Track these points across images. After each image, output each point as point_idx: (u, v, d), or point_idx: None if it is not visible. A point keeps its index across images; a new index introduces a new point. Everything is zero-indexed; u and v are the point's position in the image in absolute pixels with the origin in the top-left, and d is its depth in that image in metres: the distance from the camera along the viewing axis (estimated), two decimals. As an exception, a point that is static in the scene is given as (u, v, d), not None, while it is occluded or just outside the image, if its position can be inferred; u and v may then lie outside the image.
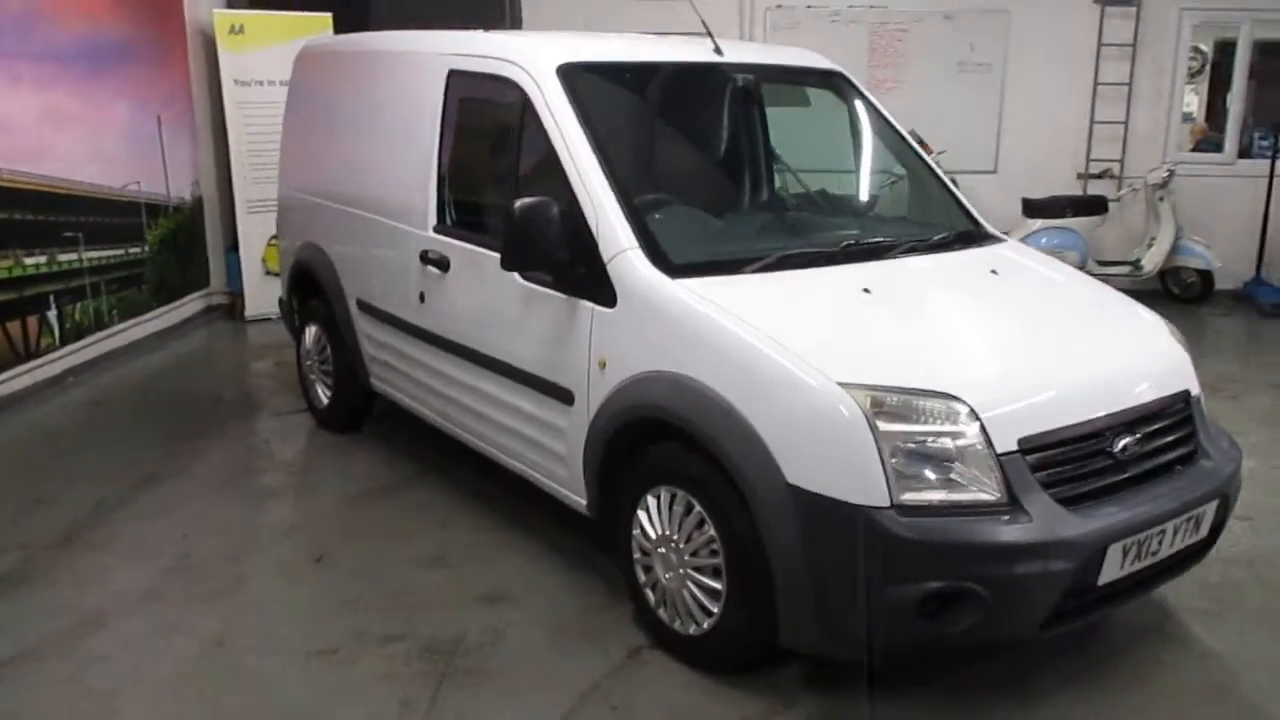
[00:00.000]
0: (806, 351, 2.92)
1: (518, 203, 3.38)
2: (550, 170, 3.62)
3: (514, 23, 8.49)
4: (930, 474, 2.76)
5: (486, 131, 4.29)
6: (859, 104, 4.45)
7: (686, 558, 3.19)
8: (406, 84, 4.47)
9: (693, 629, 3.22)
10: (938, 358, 3.04)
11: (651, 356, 3.22)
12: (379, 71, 4.72)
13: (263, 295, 7.99)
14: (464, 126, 4.24)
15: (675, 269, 3.30)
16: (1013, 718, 3.04)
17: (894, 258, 3.64)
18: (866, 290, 3.34)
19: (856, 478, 2.75)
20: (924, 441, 2.77)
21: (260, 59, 7.89)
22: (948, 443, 2.77)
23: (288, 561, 4.03)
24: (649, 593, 3.39)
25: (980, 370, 3.02)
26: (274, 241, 8.02)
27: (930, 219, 4.14)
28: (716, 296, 3.18)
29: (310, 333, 5.47)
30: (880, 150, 4.40)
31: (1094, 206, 8.41)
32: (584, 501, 3.65)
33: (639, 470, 3.35)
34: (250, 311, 8.04)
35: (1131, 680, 3.23)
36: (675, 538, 3.22)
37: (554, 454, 3.72)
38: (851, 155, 4.42)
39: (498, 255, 3.70)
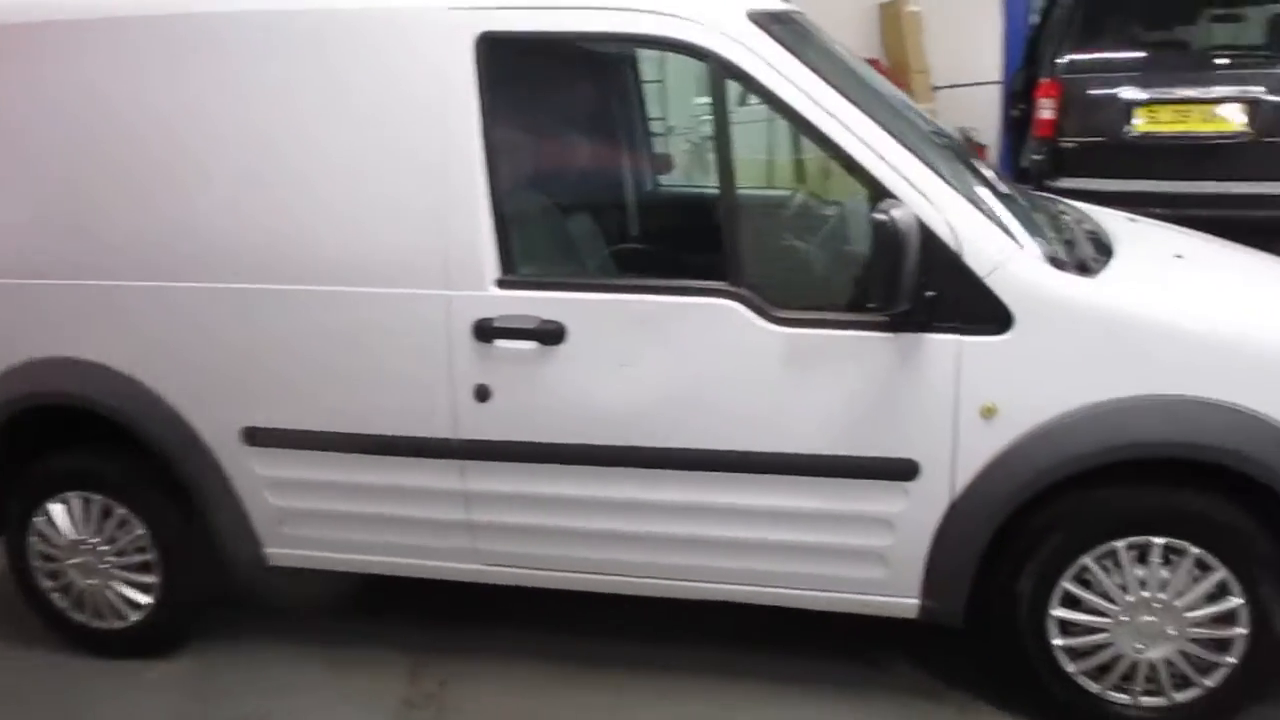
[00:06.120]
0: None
1: (892, 213, 2.32)
2: (803, 164, 2.55)
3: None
4: None
5: (610, 121, 2.83)
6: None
7: (1186, 615, 2.56)
8: (348, 70, 2.72)
9: (1185, 695, 2.62)
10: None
11: (1106, 383, 2.45)
12: (239, 51, 2.78)
13: None
14: (542, 121, 2.74)
15: (1067, 267, 2.56)
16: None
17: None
18: (1179, 256, 2.96)
19: None
20: None
21: None
22: None
23: None
24: (1084, 681, 2.66)
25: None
26: None
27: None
28: (1154, 293, 2.56)
29: (64, 512, 3.15)
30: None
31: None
32: (916, 603, 2.71)
33: (1064, 533, 2.57)
34: None
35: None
36: (1160, 598, 2.56)
37: (862, 554, 2.69)
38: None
39: (694, 299, 2.63)
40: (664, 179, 4.15)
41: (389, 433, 2.85)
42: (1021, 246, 2.51)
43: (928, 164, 2.54)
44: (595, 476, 2.75)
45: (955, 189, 2.53)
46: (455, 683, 3.05)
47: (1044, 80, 7.09)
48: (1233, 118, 6.64)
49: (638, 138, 3.80)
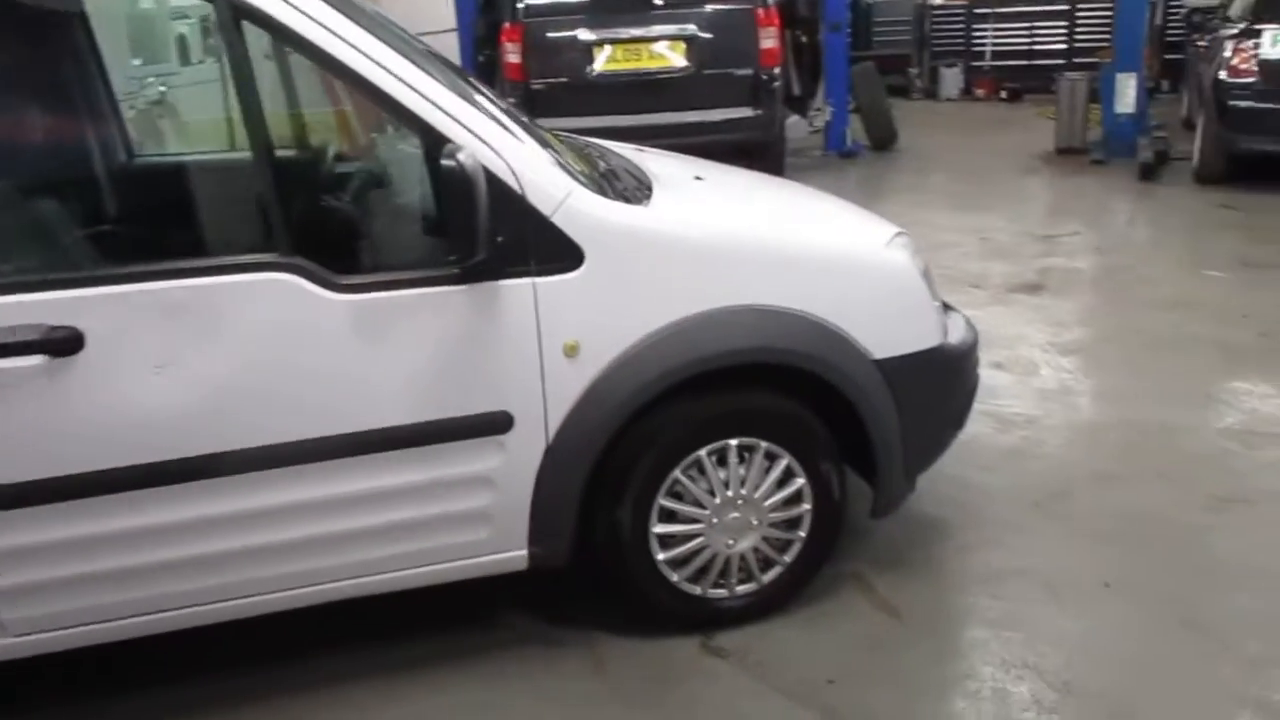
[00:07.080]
0: (834, 232, 2.82)
1: (459, 159, 2.18)
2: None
3: None
4: (935, 298, 3.02)
5: (78, 89, 2.27)
6: None
7: (764, 504, 2.79)
8: None
9: (770, 575, 2.88)
10: (848, 211, 3.19)
11: (672, 305, 2.55)
12: None
13: None
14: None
15: (619, 198, 2.62)
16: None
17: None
18: (699, 178, 3.16)
19: (925, 323, 2.88)
20: (923, 271, 3.00)
21: None
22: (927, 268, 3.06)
23: None
24: (688, 587, 2.81)
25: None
26: None
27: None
28: (702, 215, 2.70)
29: None
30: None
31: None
32: (525, 553, 2.67)
33: (653, 453, 2.66)
34: None
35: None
36: (742, 494, 2.75)
37: (466, 518, 2.58)
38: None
39: (240, 278, 2.31)
40: (142, 149, 3.63)
41: None
42: (576, 181, 2.51)
43: (475, 105, 2.43)
44: (149, 501, 2.31)
45: (505, 129, 2.45)
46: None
47: (507, 25, 7.29)
48: (674, 54, 7.33)
49: (107, 106, 3.24)
